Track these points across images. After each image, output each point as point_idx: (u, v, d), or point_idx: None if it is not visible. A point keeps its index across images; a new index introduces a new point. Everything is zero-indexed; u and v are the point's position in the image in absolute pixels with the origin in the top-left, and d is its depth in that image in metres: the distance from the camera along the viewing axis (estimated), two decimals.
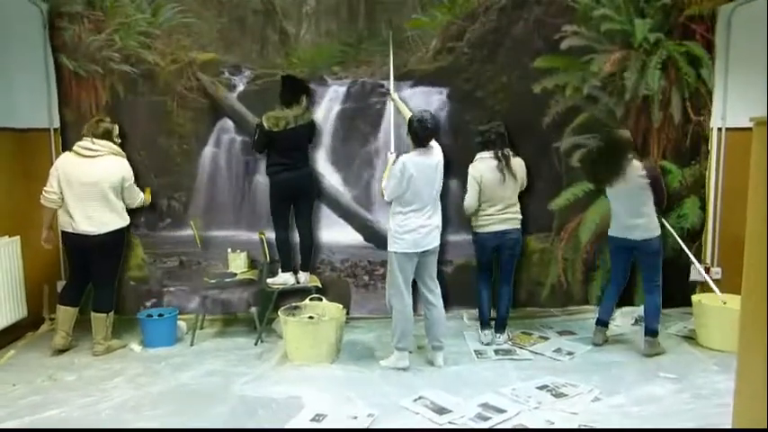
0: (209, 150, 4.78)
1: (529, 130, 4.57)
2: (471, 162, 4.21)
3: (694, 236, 4.80)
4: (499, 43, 4.71)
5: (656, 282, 4.08)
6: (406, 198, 3.72)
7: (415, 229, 3.73)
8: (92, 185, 3.99)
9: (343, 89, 4.75)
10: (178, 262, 4.83)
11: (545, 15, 4.65)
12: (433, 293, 3.93)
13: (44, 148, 4.64)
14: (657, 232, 4.02)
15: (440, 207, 3.87)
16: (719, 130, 4.80)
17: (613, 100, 4.72)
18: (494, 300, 4.39)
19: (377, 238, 4.81)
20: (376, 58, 4.72)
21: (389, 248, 3.82)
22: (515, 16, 4.68)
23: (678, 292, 4.65)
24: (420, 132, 3.71)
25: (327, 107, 4.76)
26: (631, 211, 4.01)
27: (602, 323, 4.26)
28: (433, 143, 3.81)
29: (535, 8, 4.65)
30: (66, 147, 4.38)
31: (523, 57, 4.68)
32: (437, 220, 3.84)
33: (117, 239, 4.15)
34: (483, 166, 4.14)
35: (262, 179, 4.73)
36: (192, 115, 4.73)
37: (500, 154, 4.13)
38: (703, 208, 4.83)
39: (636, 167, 3.93)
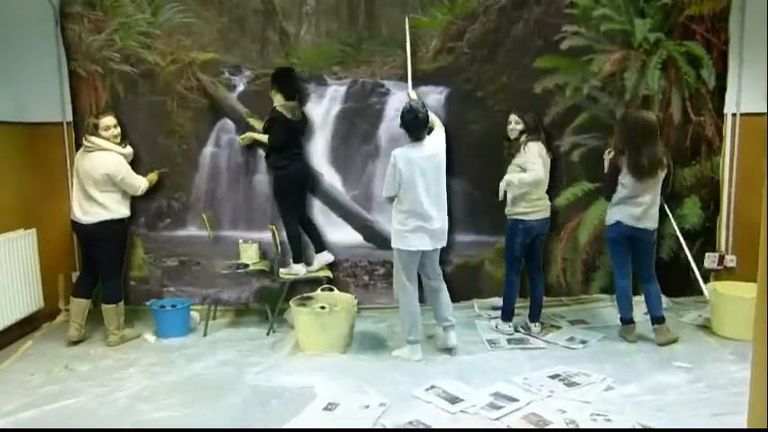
0: (209, 150, 4.79)
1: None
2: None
3: (695, 236, 4.74)
4: (499, 43, 4.68)
5: (653, 270, 4.10)
6: (401, 195, 3.70)
7: (415, 229, 3.70)
8: (83, 178, 4.11)
9: (343, 89, 4.74)
10: (178, 262, 4.85)
11: (545, 15, 4.62)
12: (437, 279, 3.94)
13: (57, 142, 4.68)
14: None
15: (445, 205, 3.82)
16: (734, 115, 4.72)
17: (613, 100, 4.69)
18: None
19: (377, 238, 4.82)
20: (376, 58, 4.72)
21: (393, 244, 3.82)
22: (515, 16, 4.65)
23: (692, 280, 4.60)
24: (411, 124, 3.68)
25: (327, 107, 4.74)
26: (652, 199, 3.97)
27: (630, 320, 4.16)
28: (431, 136, 3.79)
29: (535, 8, 4.62)
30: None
31: (523, 57, 4.65)
32: (441, 221, 3.78)
33: (109, 231, 4.16)
34: (538, 147, 4.09)
35: (261, 179, 4.76)
36: (191, 115, 4.73)
37: (542, 139, 4.13)
38: (703, 208, 4.77)
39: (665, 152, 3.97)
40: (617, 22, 4.62)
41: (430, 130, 3.86)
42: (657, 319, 4.05)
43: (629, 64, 4.65)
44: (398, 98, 4.65)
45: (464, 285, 4.77)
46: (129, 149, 4.29)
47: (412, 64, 4.39)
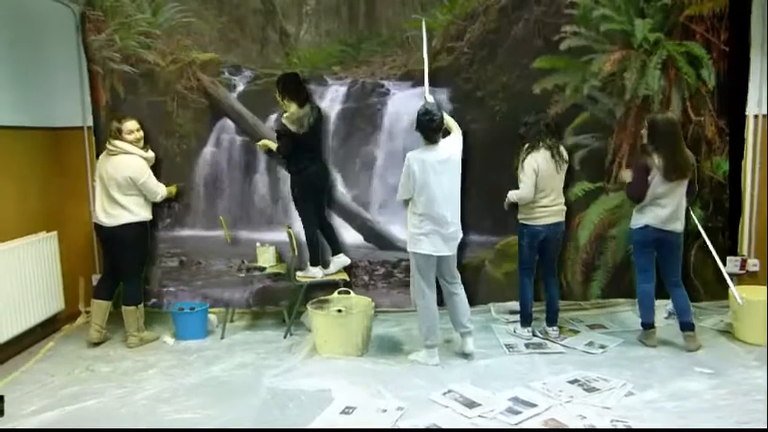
0: (209, 150, 4.81)
1: None
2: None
3: (697, 236, 4.67)
4: (499, 43, 4.66)
5: (679, 274, 4.06)
6: (416, 197, 3.69)
7: (429, 233, 3.68)
8: (107, 181, 4.16)
9: (343, 89, 4.75)
10: (178, 262, 4.87)
11: (545, 15, 4.59)
12: (454, 284, 3.92)
13: (78, 146, 4.75)
14: None
15: (458, 209, 3.80)
16: (756, 117, 4.66)
17: (613, 100, 4.65)
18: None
19: (377, 238, 4.83)
20: (376, 57, 4.72)
21: (408, 248, 3.80)
22: (515, 16, 4.63)
23: (714, 284, 4.54)
24: (426, 126, 3.68)
25: (327, 107, 4.74)
26: (679, 201, 3.93)
27: (651, 325, 4.10)
28: (447, 139, 3.78)
29: (535, 8, 4.60)
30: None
31: (523, 57, 4.63)
32: (455, 225, 3.77)
33: (130, 234, 4.20)
34: (539, 156, 4.06)
35: (262, 179, 4.78)
36: (191, 115, 4.76)
37: (549, 144, 4.07)
38: (703, 208, 4.68)
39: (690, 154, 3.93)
40: (617, 23, 4.59)
41: (446, 133, 3.85)
42: (687, 326, 3.99)
43: (629, 64, 4.62)
44: (398, 98, 4.68)
45: (466, 284, 4.73)
46: (151, 154, 4.33)
47: (429, 65, 4.32)
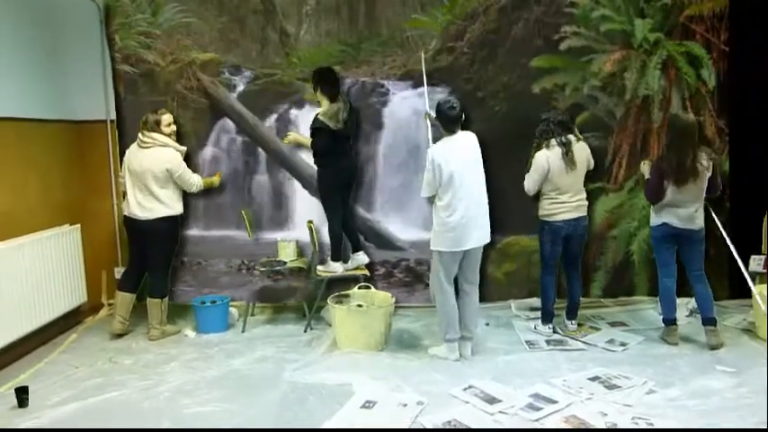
0: (209, 150, 4.83)
1: (529, 130, 4.45)
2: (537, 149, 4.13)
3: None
4: (499, 43, 4.66)
5: (702, 270, 4.03)
6: (441, 192, 3.67)
7: (456, 227, 3.65)
8: (141, 174, 4.17)
9: (343, 89, 4.70)
10: (179, 262, 4.88)
11: (545, 15, 4.58)
12: (471, 284, 3.89)
13: (101, 140, 4.80)
14: None
15: (485, 200, 3.79)
16: None
17: (613, 100, 4.65)
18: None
19: (377, 238, 4.83)
20: (376, 57, 4.72)
21: (432, 246, 3.77)
22: (515, 16, 4.62)
23: (737, 283, 4.49)
24: (448, 114, 3.68)
25: None
26: (696, 198, 3.90)
27: (672, 321, 4.08)
28: (464, 132, 3.79)
29: (535, 8, 4.59)
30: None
31: (524, 57, 4.63)
32: (483, 215, 3.77)
33: (165, 227, 4.25)
34: (552, 153, 4.04)
35: (262, 179, 4.81)
36: (191, 115, 4.77)
37: (562, 141, 4.05)
38: (704, 208, 4.64)
39: (703, 155, 3.88)
40: (617, 23, 4.59)
41: (464, 127, 3.85)
42: (709, 321, 3.97)
43: (629, 64, 4.62)
44: (398, 98, 4.72)
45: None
46: (184, 147, 4.37)
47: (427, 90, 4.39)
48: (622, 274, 4.79)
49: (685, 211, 3.90)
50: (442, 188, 3.67)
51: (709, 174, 3.90)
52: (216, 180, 4.59)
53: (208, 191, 4.61)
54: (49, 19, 4.50)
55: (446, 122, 3.72)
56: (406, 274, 4.84)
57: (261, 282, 4.80)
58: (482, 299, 4.45)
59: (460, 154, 3.69)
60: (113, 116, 4.77)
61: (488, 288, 4.72)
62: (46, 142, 4.41)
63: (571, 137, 4.10)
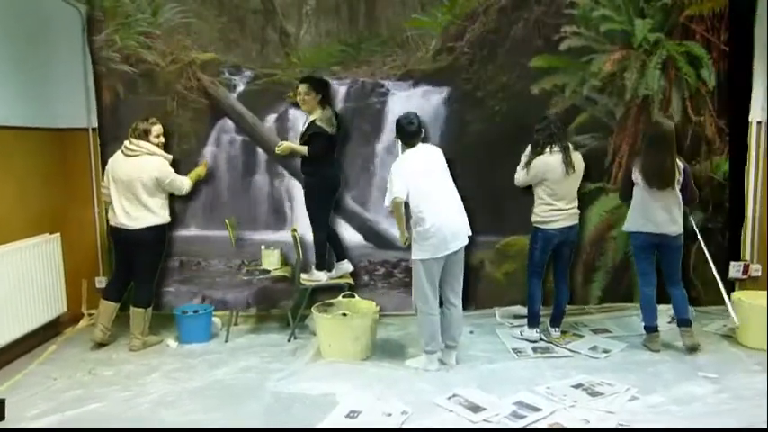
0: (209, 150, 4.81)
1: (529, 130, 4.49)
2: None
3: (694, 236, 4.69)
4: (499, 43, 4.68)
5: (679, 274, 4.08)
6: (413, 202, 3.67)
7: (435, 233, 3.64)
8: (128, 182, 4.12)
9: (343, 89, 4.76)
10: (178, 262, 4.86)
11: (545, 15, 4.62)
12: (455, 293, 3.88)
13: (83, 148, 4.74)
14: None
15: (460, 204, 3.81)
16: (759, 123, 4.67)
17: (613, 100, 4.68)
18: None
19: (377, 238, 4.84)
20: (376, 57, 4.74)
21: (413, 256, 3.76)
22: (515, 16, 4.65)
23: (717, 288, 4.54)
24: (408, 129, 3.74)
25: None
26: (672, 205, 3.94)
27: (654, 328, 4.11)
28: (425, 145, 3.84)
29: (535, 8, 4.62)
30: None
31: (523, 57, 4.65)
32: (460, 217, 3.78)
33: (153, 236, 4.22)
34: (552, 159, 4.06)
35: (261, 179, 4.80)
36: (191, 115, 4.76)
37: (564, 146, 4.08)
38: (703, 210, 4.70)
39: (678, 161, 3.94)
40: (617, 23, 4.62)
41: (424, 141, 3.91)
42: (684, 322, 4.02)
43: (629, 64, 4.64)
44: (398, 98, 4.72)
45: (465, 284, 4.75)
46: (170, 156, 4.34)
47: None
48: (622, 274, 4.80)
49: (659, 216, 3.94)
50: (412, 199, 3.68)
51: (680, 179, 3.92)
52: (202, 171, 4.56)
53: (199, 183, 4.59)
54: (31, 26, 4.45)
55: (405, 137, 3.78)
56: (407, 275, 4.82)
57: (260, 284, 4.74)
58: (482, 299, 4.51)
59: (423, 164, 3.74)
60: (95, 124, 4.73)
61: (488, 288, 4.77)
62: (26, 150, 4.34)
63: (569, 144, 4.15)
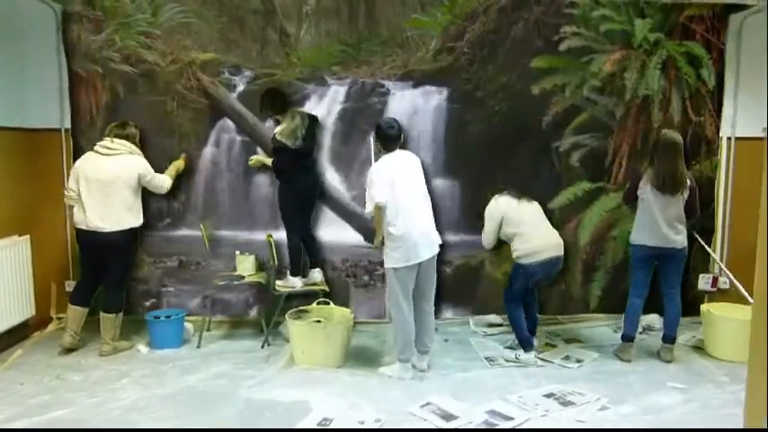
0: (208, 150, 4.78)
1: (528, 130, 4.55)
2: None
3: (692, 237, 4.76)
4: (499, 43, 4.71)
5: (677, 288, 4.12)
6: (391, 204, 3.68)
7: (406, 239, 3.66)
8: (108, 183, 4.06)
9: (343, 89, 4.76)
10: (178, 262, 4.82)
11: (545, 15, 4.65)
12: (428, 301, 3.90)
13: (55, 149, 4.65)
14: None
15: (430, 214, 3.83)
16: (729, 139, 4.78)
17: (613, 100, 4.72)
18: None
19: None
20: (376, 58, 4.74)
21: (386, 264, 3.77)
22: (515, 16, 4.69)
23: (686, 301, 4.62)
24: (389, 133, 3.77)
25: (327, 107, 4.76)
26: (677, 216, 3.99)
27: (631, 338, 4.15)
28: (403, 151, 3.87)
29: (535, 8, 4.66)
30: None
31: (523, 57, 4.68)
32: (430, 227, 3.81)
33: (128, 238, 4.18)
34: (502, 198, 4.14)
35: (261, 179, 4.77)
36: (191, 115, 4.72)
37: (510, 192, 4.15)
38: (703, 208, 4.78)
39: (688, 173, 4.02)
40: (617, 23, 4.66)
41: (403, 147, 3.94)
42: (670, 339, 4.10)
43: (629, 64, 4.69)
44: (399, 98, 4.73)
45: (465, 285, 4.80)
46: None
47: None
48: (622, 274, 4.79)
49: (668, 230, 3.97)
50: (389, 207, 3.69)
51: (687, 190, 3.98)
52: (180, 164, 4.54)
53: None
54: (5, 26, 4.38)
55: (385, 141, 3.80)
56: None
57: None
58: (481, 299, 4.51)
59: (401, 170, 3.75)
60: (68, 125, 4.65)
61: (488, 288, 4.78)
62: None
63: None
